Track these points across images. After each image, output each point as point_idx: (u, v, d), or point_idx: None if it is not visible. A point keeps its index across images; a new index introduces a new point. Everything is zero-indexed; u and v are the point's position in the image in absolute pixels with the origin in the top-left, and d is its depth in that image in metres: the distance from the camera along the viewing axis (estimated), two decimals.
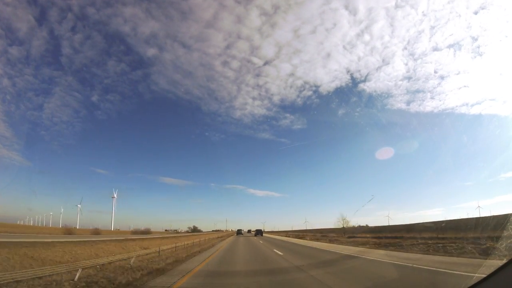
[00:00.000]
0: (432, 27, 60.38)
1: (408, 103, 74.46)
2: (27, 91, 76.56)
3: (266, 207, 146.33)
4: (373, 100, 73.60)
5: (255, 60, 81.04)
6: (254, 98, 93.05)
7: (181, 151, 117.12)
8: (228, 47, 79.24)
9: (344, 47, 71.68)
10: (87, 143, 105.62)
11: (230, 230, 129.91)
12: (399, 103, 74.95)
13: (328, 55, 76.44)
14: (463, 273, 6.67)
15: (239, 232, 65.89)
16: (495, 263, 3.15)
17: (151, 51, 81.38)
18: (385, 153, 70.80)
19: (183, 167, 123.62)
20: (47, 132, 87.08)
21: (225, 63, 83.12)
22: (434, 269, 7.70)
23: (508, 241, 3.77)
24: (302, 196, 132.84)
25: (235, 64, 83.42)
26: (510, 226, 5.01)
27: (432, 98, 69.95)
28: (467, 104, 70.11)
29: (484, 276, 2.26)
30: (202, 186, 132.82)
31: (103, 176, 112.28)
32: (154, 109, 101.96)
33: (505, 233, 4.43)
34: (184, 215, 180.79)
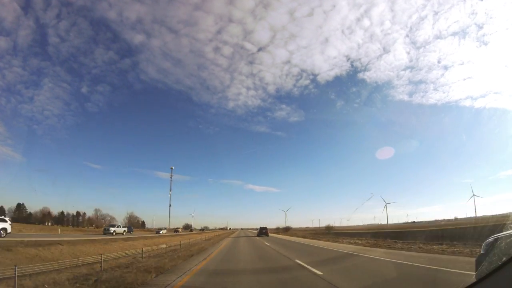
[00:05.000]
0: (436, 13, 57.79)
1: (411, 94, 71.64)
2: (17, 84, 74.25)
3: (265, 204, 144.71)
4: (373, 91, 70.32)
5: (248, 45, 76.42)
6: (248, 88, 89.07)
7: (175, 144, 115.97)
8: (219, 31, 75.05)
9: (343, 32, 68.31)
10: (80, 137, 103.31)
11: (228, 229, 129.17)
12: (400, 95, 72.24)
13: (327, 40, 72.87)
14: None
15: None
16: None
17: (138, 38, 77.69)
18: (385, 151, 70.72)
19: (179, 161, 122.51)
20: (39, 126, 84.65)
21: (216, 49, 78.76)
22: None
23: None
24: (302, 192, 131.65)
25: (227, 50, 79.55)
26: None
27: (435, 89, 67.49)
28: (471, 97, 67.85)
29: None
30: (199, 181, 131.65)
31: (98, 171, 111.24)
32: (145, 100, 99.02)
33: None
34: (183, 212, 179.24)
